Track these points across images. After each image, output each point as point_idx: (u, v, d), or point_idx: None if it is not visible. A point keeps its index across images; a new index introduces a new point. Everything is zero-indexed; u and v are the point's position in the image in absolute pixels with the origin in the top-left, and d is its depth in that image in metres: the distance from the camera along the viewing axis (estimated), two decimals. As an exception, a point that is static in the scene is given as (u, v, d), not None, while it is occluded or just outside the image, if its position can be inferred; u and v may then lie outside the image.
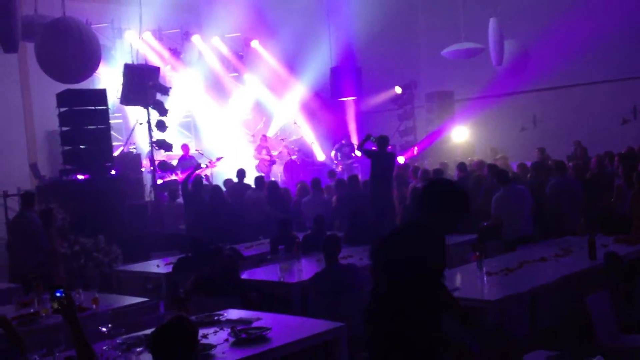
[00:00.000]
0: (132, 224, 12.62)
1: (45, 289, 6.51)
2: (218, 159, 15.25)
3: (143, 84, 13.89)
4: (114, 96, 14.81)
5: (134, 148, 16.63)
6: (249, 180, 13.46)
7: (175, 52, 18.68)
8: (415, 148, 18.67)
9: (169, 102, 15.12)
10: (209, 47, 19.47)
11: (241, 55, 20.08)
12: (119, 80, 14.38)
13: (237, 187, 13.43)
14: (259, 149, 18.02)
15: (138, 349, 4.47)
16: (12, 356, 4.49)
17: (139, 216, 13.18)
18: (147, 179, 15.38)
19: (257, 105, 20.24)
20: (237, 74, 19.99)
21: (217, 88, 19.70)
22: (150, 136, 14.18)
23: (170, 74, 18.55)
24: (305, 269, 7.69)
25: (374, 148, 11.57)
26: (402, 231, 3.91)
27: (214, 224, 11.38)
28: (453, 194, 3.86)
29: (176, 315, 3.63)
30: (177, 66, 18.74)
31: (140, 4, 14.25)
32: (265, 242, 10.24)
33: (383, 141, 11.54)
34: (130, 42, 17.17)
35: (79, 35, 11.97)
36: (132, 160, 15.31)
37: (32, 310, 6.24)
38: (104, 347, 4.73)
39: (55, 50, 11.94)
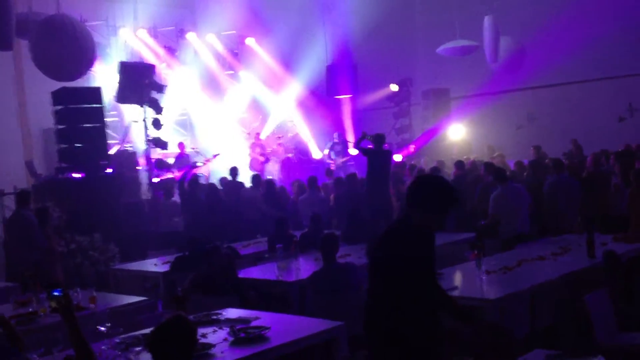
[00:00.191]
0: (128, 223, 12.59)
1: (43, 288, 6.49)
2: (214, 156, 15.23)
3: (138, 82, 13.87)
4: (109, 94, 14.77)
5: (130, 146, 16.58)
6: (246, 178, 13.44)
7: (171, 50, 18.61)
8: (412, 146, 18.67)
9: (164, 100, 15.08)
10: (204, 44, 19.41)
11: (236, 53, 20.04)
12: (114, 78, 14.35)
13: (231, 185, 13.41)
14: (252, 147, 17.99)
15: (136, 348, 4.45)
16: (11, 355, 4.47)
17: (136, 214, 13.15)
18: (143, 177, 15.34)
19: (253, 103, 20.21)
20: (232, 72, 19.95)
21: (213, 86, 19.65)
22: (146, 134, 14.15)
23: (165, 71, 18.49)
24: (303, 268, 7.67)
25: (370, 146, 11.56)
26: (393, 228, 3.90)
27: (211, 223, 11.35)
28: (440, 190, 3.86)
29: (175, 314, 3.62)
30: (173, 64, 18.68)
31: (135, 1, 14.22)
32: (262, 241, 10.22)
33: (379, 139, 11.53)
34: (125, 40, 17.12)
35: (73, 32, 11.94)
36: (128, 158, 15.26)
37: (29, 309, 6.21)
38: (103, 347, 4.71)
39: (50, 48, 11.91)
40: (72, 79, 12.60)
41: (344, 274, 6.64)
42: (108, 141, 13.34)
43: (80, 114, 12.47)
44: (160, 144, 14.26)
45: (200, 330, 4.78)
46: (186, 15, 19.88)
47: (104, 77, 16.40)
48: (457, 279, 6.68)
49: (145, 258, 10.14)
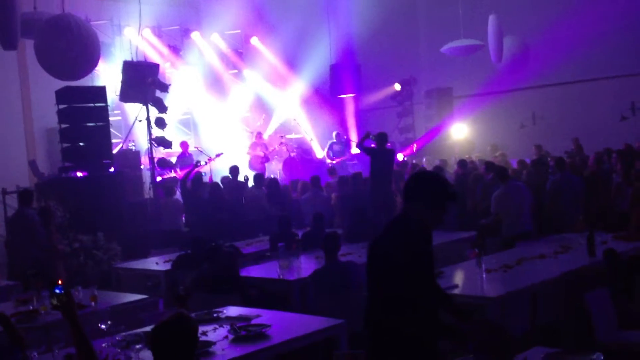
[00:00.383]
0: (131, 222, 12.61)
1: (44, 286, 6.51)
2: (217, 155, 15.26)
3: (142, 81, 13.88)
4: (113, 93, 14.80)
5: (133, 145, 16.61)
6: (249, 177, 13.45)
7: (175, 49, 18.64)
8: (415, 145, 18.67)
9: (168, 100, 15.10)
10: (208, 44, 19.44)
11: (241, 52, 20.07)
12: (118, 77, 14.37)
13: (232, 184, 13.43)
14: (253, 146, 17.96)
15: (137, 346, 4.47)
16: (12, 353, 4.49)
17: (138, 213, 13.17)
18: (146, 176, 15.36)
19: (257, 103, 20.23)
20: (236, 71, 19.97)
21: (217, 85, 19.67)
22: (150, 133, 14.16)
23: (169, 71, 18.53)
24: (305, 266, 7.68)
25: (373, 145, 11.57)
26: (391, 226, 3.91)
27: (213, 221, 11.37)
28: (437, 184, 3.86)
29: (176, 312, 3.63)
30: (177, 63, 18.72)
31: (140, 0, 14.24)
32: (264, 240, 10.24)
33: (382, 138, 11.53)
34: (129, 39, 17.14)
35: (78, 32, 11.95)
36: (131, 157, 15.30)
37: (31, 307, 6.24)
38: (104, 344, 4.73)
39: (54, 48, 11.93)
40: (77, 78, 12.60)
41: (345, 273, 6.65)
42: (112, 140, 13.34)
43: (84, 113, 12.50)
44: (164, 143, 14.28)
45: (201, 328, 4.79)
46: (191, 15, 19.91)
47: (108, 76, 16.43)
48: (458, 277, 6.68)
49: (147, 257, 10.17)
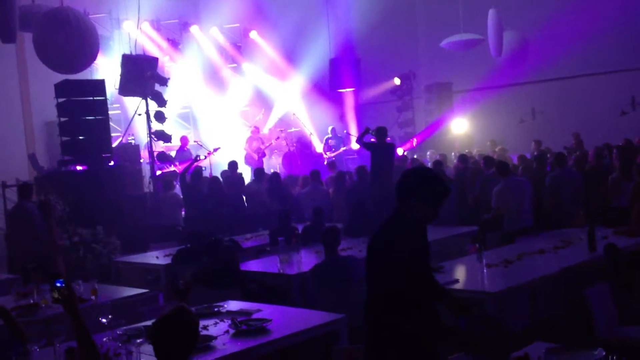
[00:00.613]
0: (130, 215, 12.60)
1: (45, 280, 6.51)
2: (215, 150, 15.27)
3: (141, 75, 13.86)
4: (112, 87, 14.78)
5: (133, 139, 16.60)
6: (247, 172, 13.45)
7: (174, 43, 18.64)
8: (415, 139, 18.66)
9: (167, 93, 15.09)
10: (207, 37, 19.42)
11: (239, 46, 20.05)
12: (117, 70, 14.35)
13: (231, 178, 13.43)
14: (249, 141, 17.92)
15: (138, 340, 4.46)
16: (13, 347, 4.48)
17: (138, 207, 13.16)
18: (146, 170, 15.36)
19: (256, 97, 20.21)
20: (235, 65, 19.96)
21: (216, 79, 19.66)
22: (149, 127, 14.15)
23: (168, 64, 18.51)
24: (305, 261, 7.68)
25: (373, 140, 11.56)
26: (387, 223, 3.91)
27: (213, 216, 11.37)
28: (430, 179, 3.86)
29: (177, 306, 3.62)
30: (176, 57, 18.70)
31: (139, -6, 14.23)
32: (264, 234, 10.25)
33: (382, 132, 11.52)
34: (128, 33, 17.11)
35: (77, 25, 11.93)
36: (130, 151, 15.28)
37: (31, 301, 6.23)
38: (104, 339, 4.73)
39: (53, 41, 11.90)
40: (76, 71, 12.59)
41: (345, 267, 6.65)
42: (111, 134, 13.33)
43: (83, 106, 12.47)
44: (163, 137, 14.27)
45: (202, 323, 4.79)
46: (189, 9, 19.88)
47: (107, 69, 16.41)
48: (458, 272, 6.69)
49: (147, 250, 10.17)
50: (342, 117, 20.01)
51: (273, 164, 18.39)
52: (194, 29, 19.19)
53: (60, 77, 12.50)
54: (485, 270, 6.42)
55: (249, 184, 13.15)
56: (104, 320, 4.81)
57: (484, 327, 3.62)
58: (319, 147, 18.86)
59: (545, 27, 17.10)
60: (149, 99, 14.06)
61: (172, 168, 15.15)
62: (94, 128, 12.57)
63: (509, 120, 18.12)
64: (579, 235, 7.46)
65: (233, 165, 13.67)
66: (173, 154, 15.84)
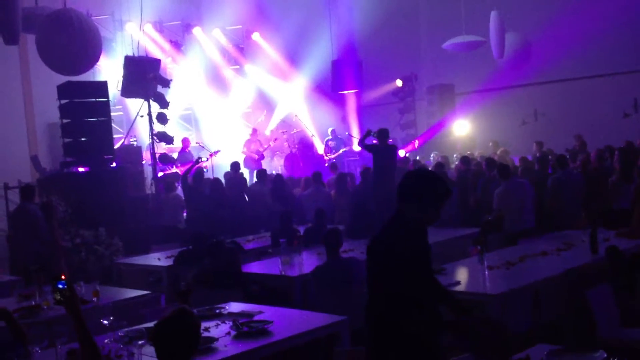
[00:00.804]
0: (132, 217, 12.61)
1: (47, 281, 6.51)
2: (215, 152, 15.31)
3: (144, 76, 13.88)
4: (114, 88, 14.80)
5: (135, 140, 16.62)
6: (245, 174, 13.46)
7: (176, 44, 18.66)
8: (417, 141, 18.66)
9: (169, 95, 15.11)
10: (209, 39, 19.44)
11: (242, 48, 20.07)
12: (120, 72, 14.36)
13: (234, 179, 13.44)
14: (247, 144, 17.90)
15: (140, 342, 4.47)
16: (14, 349, 4.49)
17: (140, 209, 13.17)
18: (148, 171, 15.37)
19: (258, 98, 20.23)
20: (237, 67, 19.97)
21: (218, 81, 19.69)
22: (151, 129, 14.17)
23: (170, 66, 18.53)
24: (306, 262, 7.67)
25: (374, 141, 11.56)
26: (388, 225, 3.90)
27: (215, 217, 11.37)
28: (431, 180, 3.85)
29: (179, 308, 3.63)
30: (178, 58, 18.72)
31: (141, -4, 14.25)
32: (266, 236, 10.24)
33: (383, 134, 11.52)
34: (131, 34, 17.15)
35: (79, 26, 11.94)
36: (132, 152, 15.29)
37: (33, 302, 6.23)
38: (106, 340, 4.73)
39: (56, 42, 11.92)
40: (78, 73, 12.61)
41: (347, 269, 6.64)
42: (113, 135, 13.34)
43: (85, 108, 12.47)
44: (165, 138, 14.28)
45: (203, 324, 4.79)
46: (192, 10, 19.91)
47: (110, 71, 16.43)
48: (460, 274, 6.67)
49: (149, 252, 10.17)
50: (344, 119, 20.01)
51: (275, 166, 18.39)
52: (196, 30, 19.21)
53: (62, 78, 12.52)
54: (487, 272, 6.41)
55: (251, 186, 13.17)
56: (105, 321, 4.81)
57: (488, 330, 3.62)
58: (321, 149, 18.88)
59: (547, 28, 17.09)
60: (151, 101, 14.07)
61: (174, 170, 15.15)
62: (96, 129, 12.57)
63: (511, 122, 18.10)
64: (581, 237, 7.46)
65: (236, 166, 13.70)
66: (175, 155, 15.85)
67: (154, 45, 18.14)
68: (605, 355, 3.80)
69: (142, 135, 16.41)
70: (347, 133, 18.86)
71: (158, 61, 14.98)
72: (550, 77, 17.85)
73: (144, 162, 15.61)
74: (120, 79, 14.19)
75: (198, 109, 19.60)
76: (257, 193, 12.55)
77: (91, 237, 10.82)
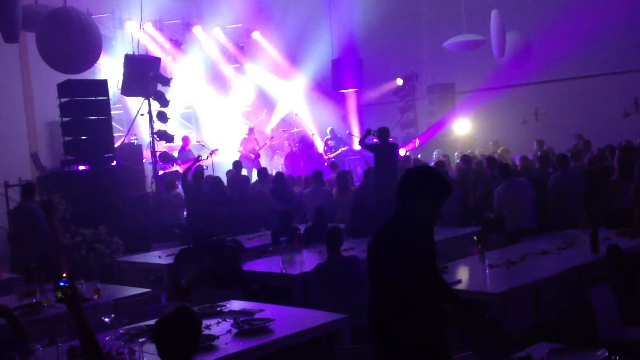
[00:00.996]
0: (133, 215, 12.62)
1: (47, 279, 6.51)
2: (214, 151, 15.31)
3: (144, 75, 13.88)
4: (114, 87, 14.80)
5: (135, 139, 16.62)
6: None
7: (176, 43, 18.65)
8: (417, 140, 18.65)
9: (169, 93, 15.10)
10: (210, 37, 19.43)
11: (242, 47, 20.06)
12: (120, 70, 14.37)
13: (236, 178, 13.44)
14: (244, 143, 17.88)
15: (141, 339, 4.46)
16: (15, 346, 4.48)
17: (140, 207, 13.19)
18: (148, 170, 15.37)
19: (258, 97, 20.22)
20: (238, 65, 19.97)
21: (218, 79, 19.69)
22: (152, 127, 14.17)
23: (171, 64, 18.53)
24: (307, 261, 7.68)
25: (375, 140, 11.55)
26: (390, 224, 3.89)
27: (215, 216, 11.37)
28: (431, 176, 3.84)
29: (179, 305, 3.63)
30: (178, 57, 18.72)
31: (141, -6, 14.25)
32: (267, 234, 10.25)
33: (384, 133, 11.50)
34: (131, 33, 17.13)
35: (79, 25, 11.94)
36: (133, 151, 15.30)
37: (34, 300, 6.23)
38: (107, 338, 4.73)
39: (56, 41, 11.91)
40: (78, 71, 12.60)
41: (348, 267, 6.65)
42: (113, 134, 13.34)
43: (85, 106, 12.49)
44: (165, 137, 14.28)
45: (204, 322, 4.77)
46: (192, 9, 19.90)
47: (110, 69, 16.42)
48: (461, 272, 6.68)
49: (149, 250, 10.17)
50: (344, 118, 20.01)
51: (275, 165, 18.38)
52: (196, 29, 19.20)
53: (63, 77, 12.52)
54: (488, 271, 6.42)
55: (252, 184, 13.16)
56: (106, 319, 4.81)
57: (489, 330, 3.62)
58: (321, 148, 18.88)
59: (548, 28, 17.08)
60: (151, 99, 14.07)
61: (175, 168, 15.16)
62: (96, 128, 12.59)
63: (512, 121, 18.09)
64: (582, 237, 7.47)
65: (238, 164, 13.70)
66: (175, 154, 15.85)
67: (154, 43, 18.14)
68: (607, 354, 3.79)
69: (143, 134, 16.40)
70: (347, 132, 18.85)
71: (158, 60, 14.98)
72: (550, 76, 17.85)
73: (144, 160, 15.61)
74: (121, 78, 14.19)
75: (198, 108, 19.60)
76: (258, 192, 12.55)
77: (91, 235, 10.83)
